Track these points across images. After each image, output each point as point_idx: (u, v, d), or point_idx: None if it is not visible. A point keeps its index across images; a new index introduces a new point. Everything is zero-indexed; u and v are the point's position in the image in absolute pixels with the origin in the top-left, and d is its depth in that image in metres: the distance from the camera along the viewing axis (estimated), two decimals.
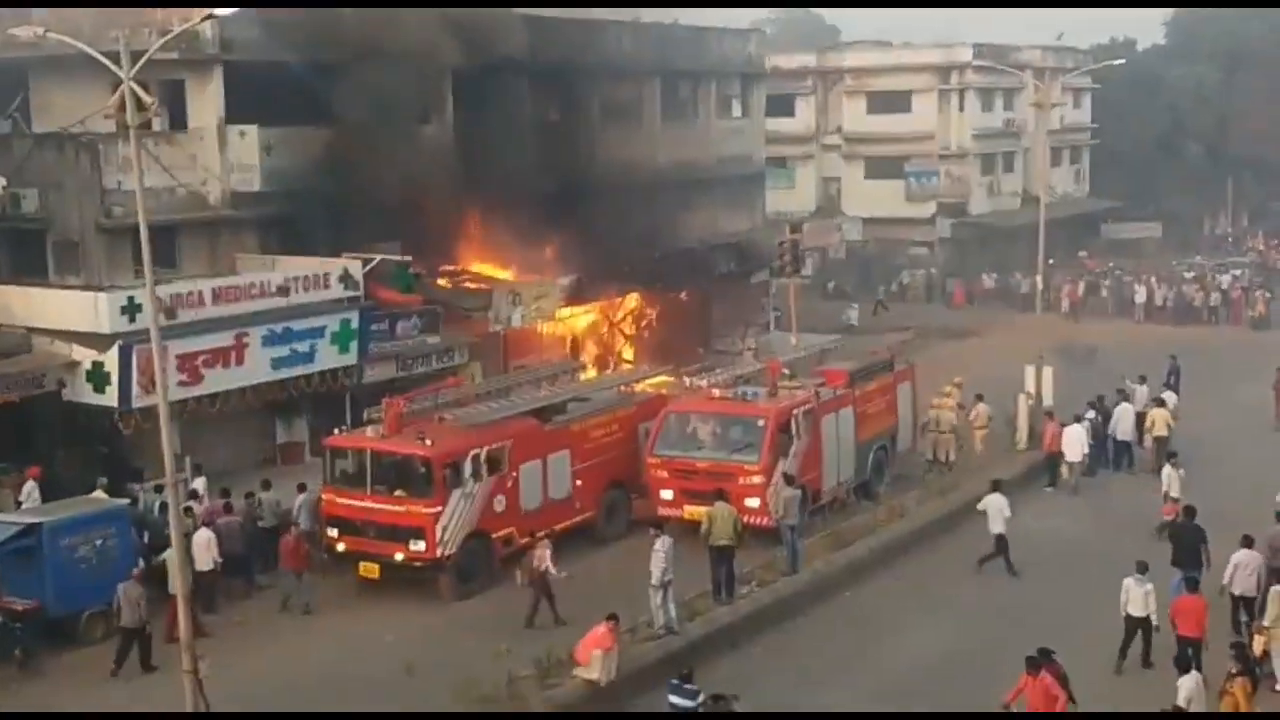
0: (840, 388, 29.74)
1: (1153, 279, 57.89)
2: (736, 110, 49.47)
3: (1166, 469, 28.16)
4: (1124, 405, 33.27)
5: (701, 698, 18.19)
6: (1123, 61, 60.93)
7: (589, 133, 39.88)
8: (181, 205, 31.34)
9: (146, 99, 18.86)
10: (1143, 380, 35.15)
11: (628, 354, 41.32)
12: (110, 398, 27.36)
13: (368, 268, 31.90)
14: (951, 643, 22.63)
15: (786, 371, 30.30)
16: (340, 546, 25.15)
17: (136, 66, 18.61)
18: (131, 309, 27.18)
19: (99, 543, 23.01)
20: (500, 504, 25.52)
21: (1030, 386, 34.86)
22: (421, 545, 24.25)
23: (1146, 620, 20.92)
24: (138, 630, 21.66)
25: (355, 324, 31.31)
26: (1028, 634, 19.94)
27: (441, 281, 35.30)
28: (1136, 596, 20.98)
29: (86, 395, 27.86)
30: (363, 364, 31.66)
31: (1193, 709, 17.54)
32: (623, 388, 30.67)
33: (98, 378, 27.57)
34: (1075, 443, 31.28)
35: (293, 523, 25.52)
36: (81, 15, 28.21)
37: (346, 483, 25.27)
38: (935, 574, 26.13)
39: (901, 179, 64.26)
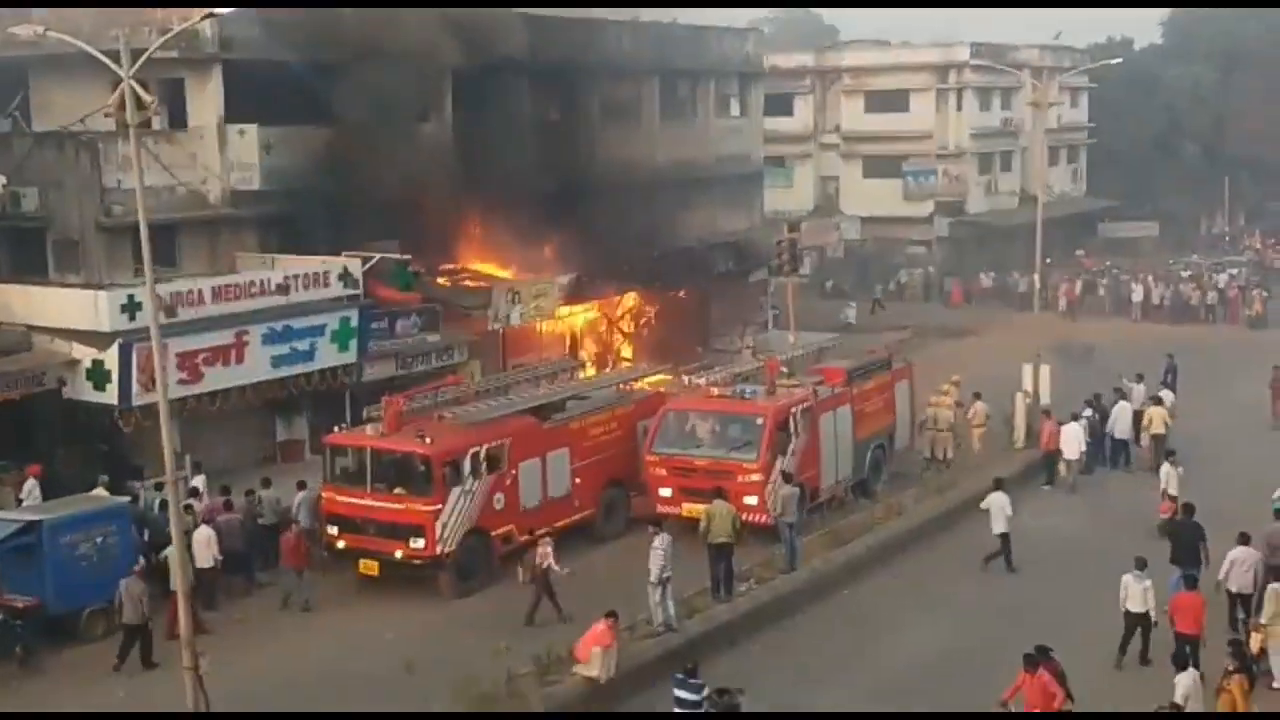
0: (838, 386, 29.80)
1: (1150, 278, 57.98)
2: (735, 109, 49.52)
3: (1165, 467, 28.22)
4: (1122, 404, 33.35)
5: (706, 691, 18.25)
6: (1120, 61, 61.07)
7: (588, 132, 39.93)
8: (181, 204, 31.39)
9: (146, 98, 18.91)
10: (1140, 379, 35.23)
11: (626, 352, 41.38)
12: (110, 396, 27.41)
13: (367, 266, 31.94)
14: (949, 640, 22.69)
15: (785, 370, 30.37)
16: (340, 544, 25.20)
17: (136, 65, 18.66)
18: (131, 307, 27.22)
19: (99, 540, 23.05)
20: (499, 502, 25.58)
21: (1028, 385, 34.93)
22: (421, 543, 24.31)
23: (1145, 616, 21.00)
24: (140, 627, 21.73)
25: (355, 322, 31.35)
26: (1025, 632, 20.01)
27: (441, 280, 35.35)
28: (1135, 593, 21.06)
29: (87, 393, 27.90)
30: (362, 362, 31.71)
31: (1190, 706, 17.58)
32: (621, 386, 30.71)
33: (98, 376, 27.61)
34: (1073, 441, 31.36)
35: (293, 520, 25.58)
36: (81, 14, 28.24)
37: (346, 480, 25.32)
38: (933, 572, 26.20)
39: (899, 178, 64.29)
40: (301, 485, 26.43)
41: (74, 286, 29.53)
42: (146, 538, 24.38)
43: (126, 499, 25.29)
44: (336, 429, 26.99)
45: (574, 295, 38.47)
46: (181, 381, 27.70)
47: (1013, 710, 17.97)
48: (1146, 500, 28.02)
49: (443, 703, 19.44)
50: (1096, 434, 32.62)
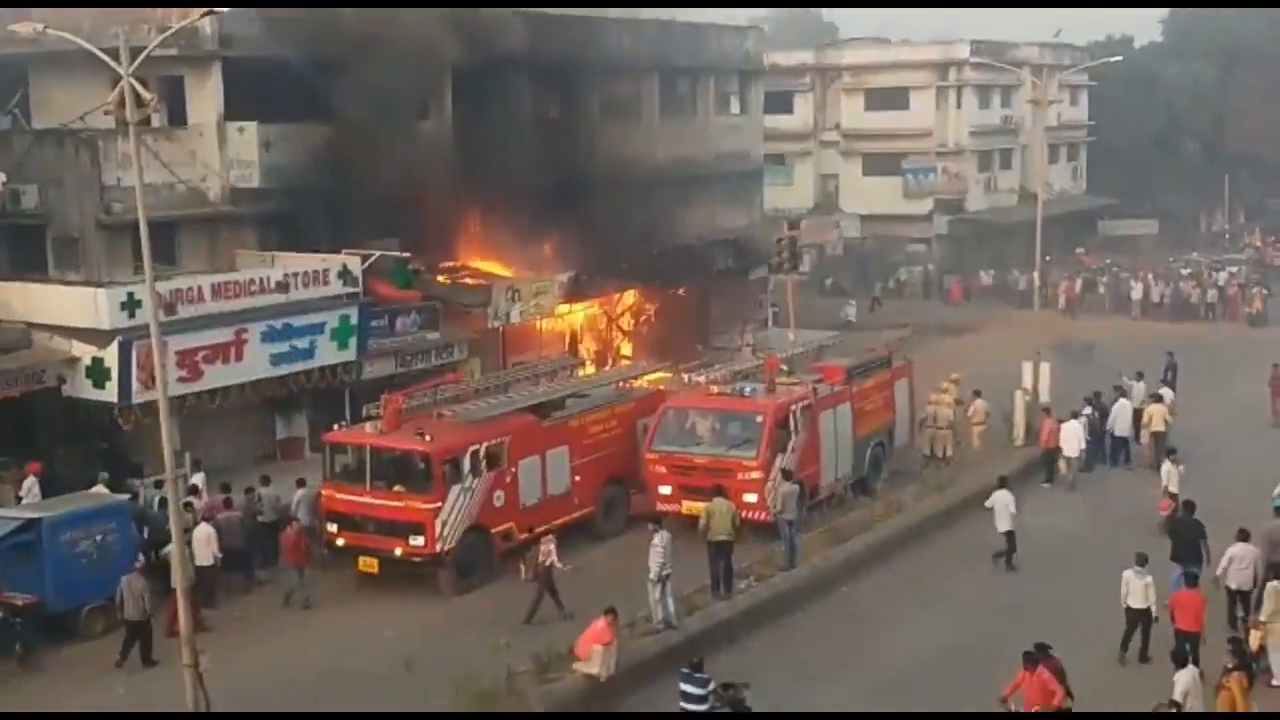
0: (838, 384, 29.81)
1: (1149, 276, 58.02)
2: (735, 107, 49.50)
3: (1166, 465, 28.24)
4: (1122, 401, 33.37)
5: (712, 686, 18.28)
6: (1120, 59, 61.10)
7: (588, 129, 39.94)
8: (181, 201, 31.39)
9: (146, 95, 18.91)
10: (1140, 377, 35.24)
11: (626, 350, 41.38)
12: (110, 393, 27.43)
13: (367, 264, 31.95)
14: (949, 638, 22.69)
15: (784, 368, 30.40)
16: (340, 542, 25.22)
17: (136, 63, 18.66)
18: (131, 305, 27.25)
19: (99, 538, 23.06)
20: (499, 499, 25.59)
21: (1027, 383, 34.94)
22: (421, 540, 24.31)
23: (1147, 612, 21.02)
24: (142, 623, 21.76)
25: (354, 320, 31.36)
26: (1025, 629, 20.01)
27: (440, 278, 35.35)
28: (1136, 589, 21.07)
29: (86, 391, 27.93)
30: (362, 360, 31.73)
31: (1189, 703, 17.57)
32: (621, 384, 30.72)
33: (98, 373, 27.63)
34: (1073, 439, 31.38)
35: (293, 518, 25.58)
36: (81, 12, 28.23)
37: (346, 478, 25.35)
38: (933, 569, 26.21)
39: (899, 176, 64.28)
40: (301, 483, 26.44)
41: (74, 284, 29.55)
42: (146, 535, 24.43)
43: (126, 496, 25.32)
44: (336, 427, 26.98)
45: (574, 293, 38.46)
46: (181, 379, 27.72)
47: (1012, 707, 17.96)
48: (1146, 498, 28.03)
49: (443, 700, 19.43)
50: (1096, 432, 32.64)
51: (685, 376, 31.31)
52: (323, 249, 32.07)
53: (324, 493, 25.57)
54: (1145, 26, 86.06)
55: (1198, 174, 75.43)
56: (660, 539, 22.25)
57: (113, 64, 18.90)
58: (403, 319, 33.20)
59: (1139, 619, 21.12)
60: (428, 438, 24.69)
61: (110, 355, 27.29)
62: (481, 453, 25.16)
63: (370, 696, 20.18)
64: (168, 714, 19.20)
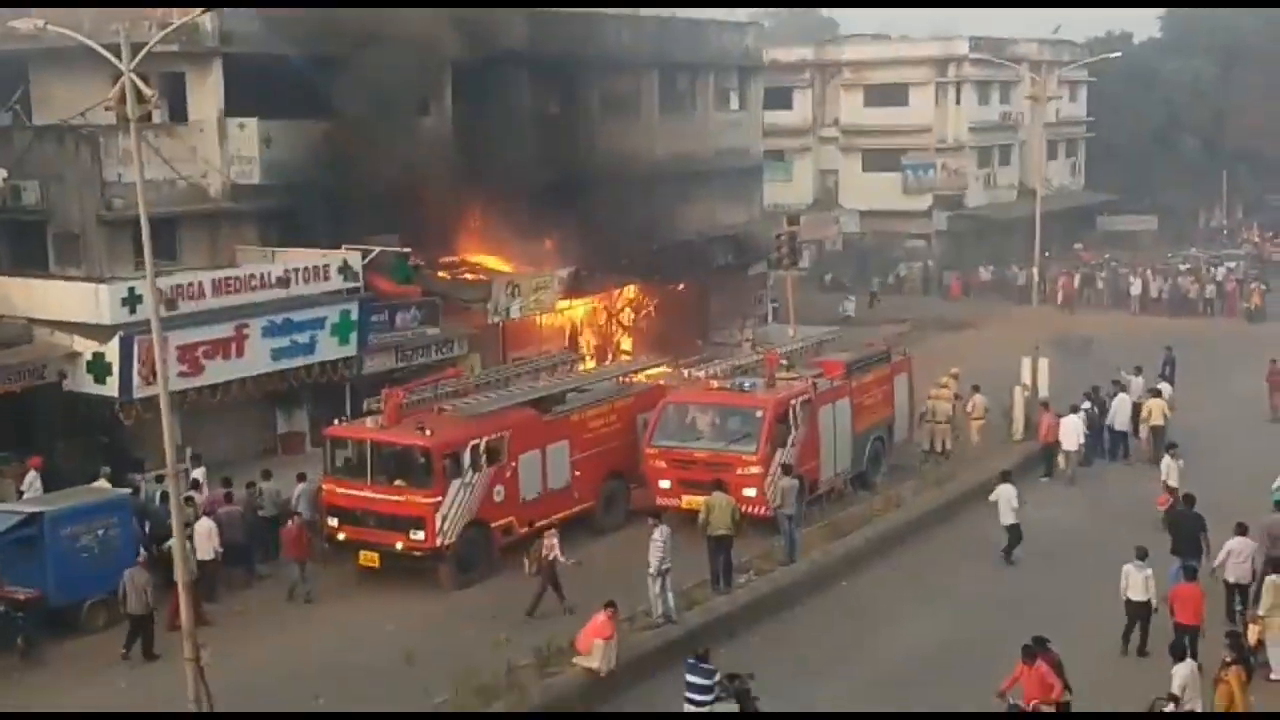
0: (837, 379, 29.86)
1: (1148, 271, 58.13)
2: (734, 103, 49.50)
3: (1166, 459, 28.31)
4: (1121, 396, 33.45)
5: (717, 676, 18.36)
6: (1119, 55, 61.07)
7: (587, 125, 39.95)
8: (182, 197, 31.41)
9: (147, 91, 18.89)
10: (1138, 372, 35.30)
11: (626, 345, 41.43)
12: (111, 388, 27.47)
13: (367, 259, 31.98)
14: (948, 632, 22.75)
15: (784, 363, 30.43)
16: (340, 536, 25.28)
17: (136, 59, 18.66)
18: (132, 300, 27.30)
19: (101, 532, 23.12)
20: (499, 494, 25.64)
21: (1026, 378, 35.01)
22: (421, 535, 24.37)
23: (1147, 605, 21.09)
24: (145, 617, 21.83)
25: (355, 315, 31.40)
26: (1024, 623, 19.99)
27: (440, 273, 35.36)
28: (1136, 582, 21.14)
29: (87, 386, 27.97)
30: (362, 355, 31.77)
31: (1187, 697, 17.63)
32: (621, 379, 30.78)
33: (99, 368, 27.67)
34: (1071, 433, 31.45)
35: (294, 512, 25.63)
36: (82, 9, 28.23)
37: (347, 473, 25.40)
38: (932, 564, 26.27)
39: (899, 172, 64.37)
40: (301, 477, 26.50)
41: (75, 280, 29.56)
42: (147, 530, 24.47)
43: (127, 491, 25.34)
44: (337, 421, 27.00)
45: (573, 288, 38.52)
46: (182, 374, 27.76)
47: (1011, 701, 18.01)
48: (1145, 492, 28.08)
49: (443, 694, 19.49)
50: (1095, 426, 32.70)
51: (685, 371, 31.37)
52: (323, 245, 32.09)
53: (325, 487, 25.61)
54: (1144, 22, 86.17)
55: (1197, 170, 75.50)
56: (660, 533, 22.29)
57: (114, 60, 18.90)
58: (403, 314, 33.23)
59: (1139, 612, 21.18)
60: (428, 432, 24.73)
61: (111, 350, 27.34)
62: (482, 447, 25.21)
63: (371, 691, 20.22)
64: (168, 714, 19.20)
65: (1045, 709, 17.76)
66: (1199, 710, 17.77)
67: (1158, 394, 33.36)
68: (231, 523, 25.00)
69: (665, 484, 27.43)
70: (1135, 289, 56.38)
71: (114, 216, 29.83)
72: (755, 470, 26.64)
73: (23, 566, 22.35)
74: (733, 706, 18.32)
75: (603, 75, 41.71)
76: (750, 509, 26.07)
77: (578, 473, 27.42)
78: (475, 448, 25.08)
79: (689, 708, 18.38)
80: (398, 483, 24.68)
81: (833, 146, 66.79)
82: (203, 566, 23.43)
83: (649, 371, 32.07)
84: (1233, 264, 62.00)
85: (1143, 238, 71.42)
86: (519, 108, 37.60)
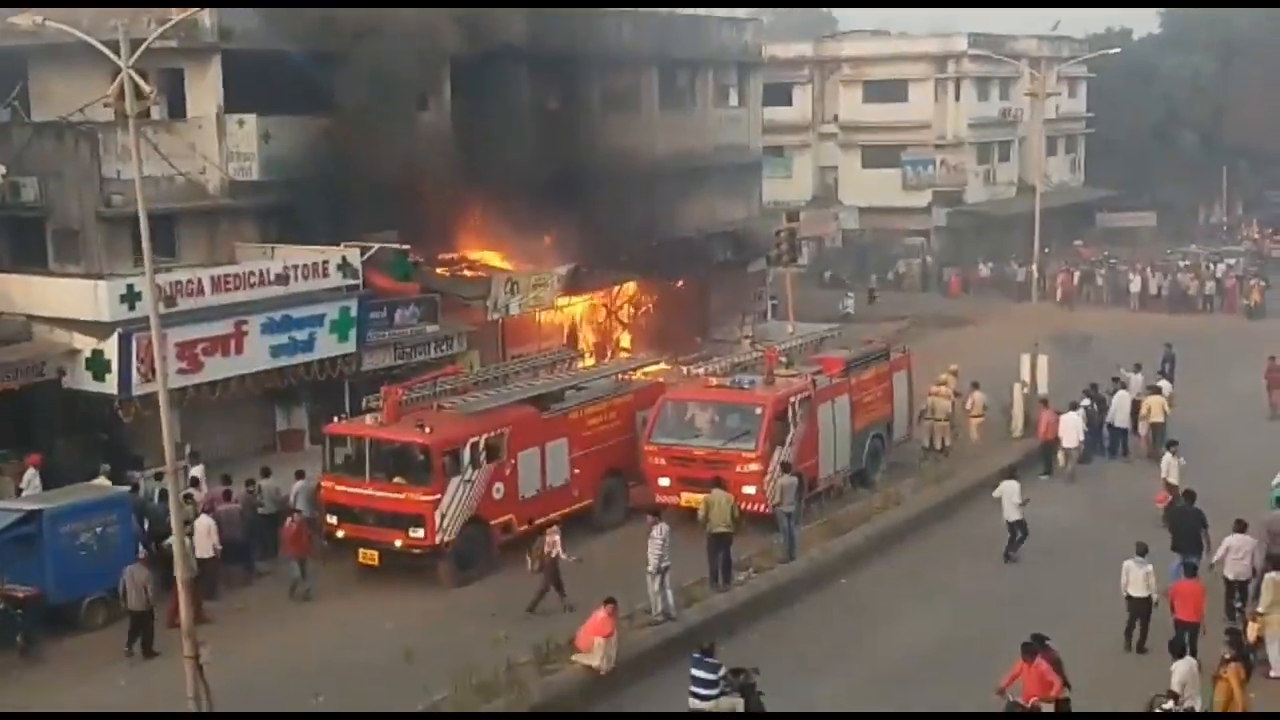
0: (836, 376, 29.84)
1: (1148, 268, 58.13)
2: (733, 99, 49.52)
3: (1167, 457, 28.30)
4: (1121, 393, 33.45)
5: (723, 671, 18.37)
6: (1118, 51, 61.01)
7: (587, 121, 39.92)
8: (181, 194, 31.41)
9: (145, 87, 18.89)
10: (1138, 368, 35.30)
11: (625, 342, 41.43)
12: (110, 385, 27.50)
13: (366, 256, 31.98)
14: (948, 629, 22.75)
15: (783, 360, 30.39)
16: (340, 534, 25.26)
17: (135, 55, 18.64)
18: (131, 297, 27.29)
19: (100, 530, 23.11)
20: (499, 491, 25.63)
21: (1025, 375, 34.98)
22: (420, 532, 24.35)
23: (1148, 601, 21.10)
24: (145, 613, 21.83)
25: (354, 312, 31.41)
26: (1023, 620, 20.00)
27: (440, 270, 35.38)
28: (1137, 578, 21.16)
29: (87, 383, 27.99)
30: (361, 352, 31.79)
31: (1187, 694, 17.64)
32: (620, 376, 30.76)
33: (98, 365, 27.69)
34: (1071, 430, 31.44)
35: (293, 510, 25.62)
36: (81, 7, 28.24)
37: (346, 470, 25.37)
38: (931, 561, 26.27)
39: (898, 168, 64.41)
40: (300, 474, 26.48)
41: (74, 276, 29.58)
42: (147, 527, 24.47)
43: (127, 489, 25.33)
44: (336, 419, 26.99)
45: (573, 285, 38.50)
46: (181, 371, 27.77)
47: (1010, 698, 18.01)
48: (1144, 489, 28.10)
49: (443, 692, 19.49)
50: (1094, 423, 32.69)
51: (684, 369, 31.35)
52: (322, 241, 32.07)
53: (324, 484, 25.58)
54: (1143, 18, 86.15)
55: (1196, 166, 75.46)
56: (659, 531, 22.29)
57: (112, 56, 18.89)
58: (402, 311, 33.24)
59: (1140, 608, 21.19)
60: (427, 429, 24.73)
61: (110, 347, 27.35)
62: (481, 444, 25.20)
63: (370, 688, 20.21)
64: (168, 714, 19.19)
65: (1045, 706, 17.77)
66: (1198, 707, 17.78)
67: (1157, 391, 33.36)
68: (231, 520, 25.00)
69: (664, 481, 27.42)
70: (1135, 286, 56.36)
71: (113, 213, 29.83)
72: (754, 468, 26.62)
73: (22, 564, 22.33)
74: (737, 701, 18.36)
75: (602, 71, 41.68)
76: (749, 506, 26.06)
77: (577, 470, 27.40)
78: (474, 445, 25.06)
79: (694, 702, 18.41)
80: (397, 480, 24.66)
81: (832, 143, 66.75)
82: (202, 564, 23.41)
83: (648, 369, 32.07)
84: (1232, 261, 62.00)
85: (1142, 234, 71.39)
86: (518, 104, 37.61)
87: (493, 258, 36.99)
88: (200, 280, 28.86)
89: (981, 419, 33.63)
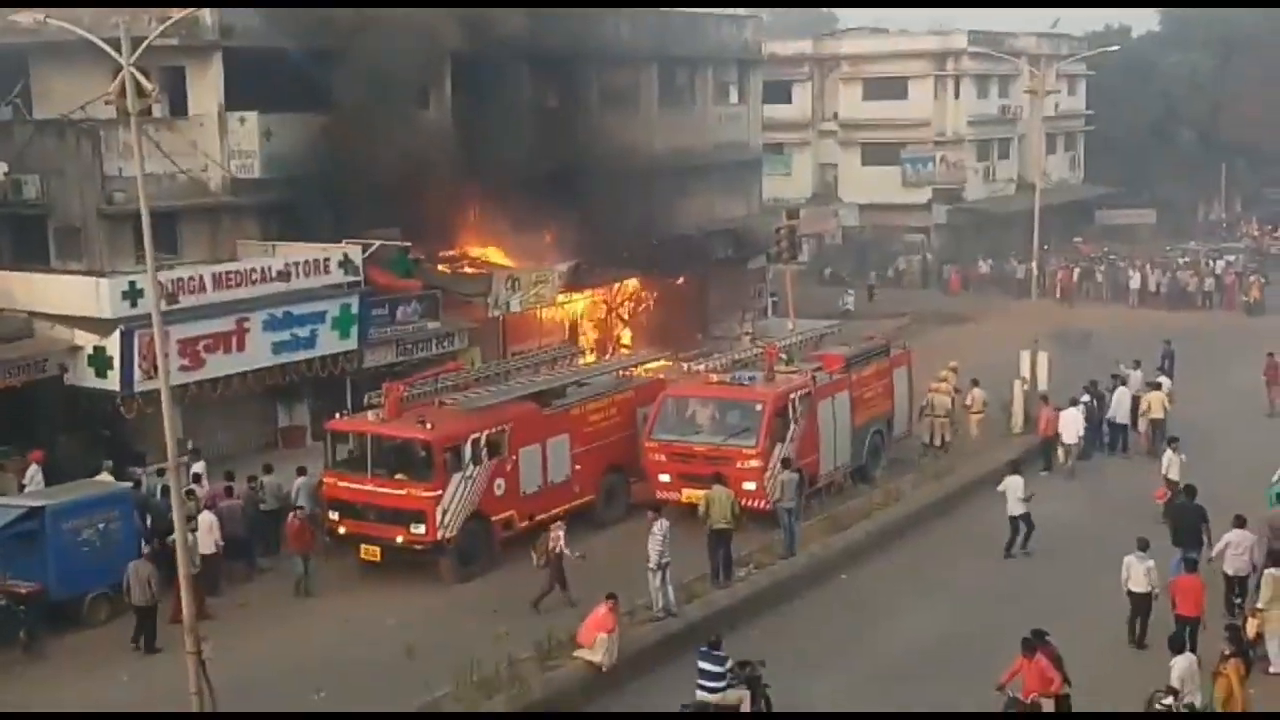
0: (837, 372, 29.88)
1: (1147, 265, 58.21)
2: (733, 97, 49.50)
3: (1168, 453, 28.35)
4: (1120, 389, 33.51)
5: (730, 663, 18.45)
6: (1117, 48, 61.15)
7: (587, 118, 39.94)
8: (182, 191, 31.44)
9: (147, 85, 18.90)
10: (1137, 365, 35.34)
11: (626, 339, 41.48)
12: (112, 382, 27.53)
13: (367, 253, 32.02)
14: (948, 625, 22.81)
15: (783, 356, 30.42)
16: (342, 530, 25.32)
17: (137, 53, 18.66)
18: (133, 294, 27.31)
19: (102, 526, 23.18)
20: (500, 487, 25.68)
21: (1025, 371, 35.05)
22: (422, 528, 24.41)
23: (1148, 596, 21.15)
24: (150, 608, 21.90)
25: (355, 309, 31.45)
26: (1023, 616, 20.08)
27: (441, 267, 35.43)
28: (1138, 573, 21.21)
29: (88, 380, 28.02)
30: (363, 349, 31.82)
31: (1186, 690, 17.69)
32: (621, 372, 30.79)
33: (100, 362, 27.72)
34: (1071, 426, 31.50)
35: (295, 506, 25.67)
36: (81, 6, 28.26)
37: (348, 466, 25.44)
38: (931, 557, 26.33)
39: (898, 165, 64.44)
40: (301, 471, 26.51)
41: (76, 273, 29.59)
42: (149, 524, 24.52)
43: (129, 485, 25.37)
44: (338, 415, 27.06)
45: (573, 282, 38.56)
46: (183, 368, 27.82)
47: (1010, 694, 18.06)
48: (1144, 485, 28.16)
49: (444, 688, 19.54)
50: (1094, 420, 32.75)
51: (685, 365, 31.39)
52: (323, 238, 32.11)
53: (326, 481, 25.64)
54: (1142, 16, 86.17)
55: (1195, 163, 75.48)
56: (660, 527, 22.36)
57: (114, 54, 18.91)
58: (403, 308, 33.30)
59: (1141, 603, 21.24)
60: (429, 426, 24.78)
61: (112, 344, 27.38)
62: (482, 441, 25.26)
63: (372, 684, 20.27)
64: (168, 714, 19.23)
65: (1044, 702, 17.82)
66: (1198, 703, 17.82)
67: (1157, 387, 33.42)
68: (233, 516, 25.05)
69: (665, 477, 27.49)
70: (1134, 282, 56.43)
71: (115, 210, 29.86)
72: (755, 464, 26.68)
73: (24, 560, 22.42)
74: (744, 693, 18.44)
75: (602, 68, 41.70)
76: (750, 502, 26.14)
77: (578, 466, 27.46)
78: (476, 441, 25.12)
79: (701, 694, 18.45)
80: (399, 476, 24.73)
81: (832, 140, 66.78)
82: (204, 560, 23.44)
83: (649, 365, 32.10)
84: (1231, 257, 62.08)
85: (1141, 231, 71.43)
86: (518, 101, 37.57)
87: (494, 255, 37.04)
88: (202, 277, 28.90)
89: (981, 415, 33.69)
